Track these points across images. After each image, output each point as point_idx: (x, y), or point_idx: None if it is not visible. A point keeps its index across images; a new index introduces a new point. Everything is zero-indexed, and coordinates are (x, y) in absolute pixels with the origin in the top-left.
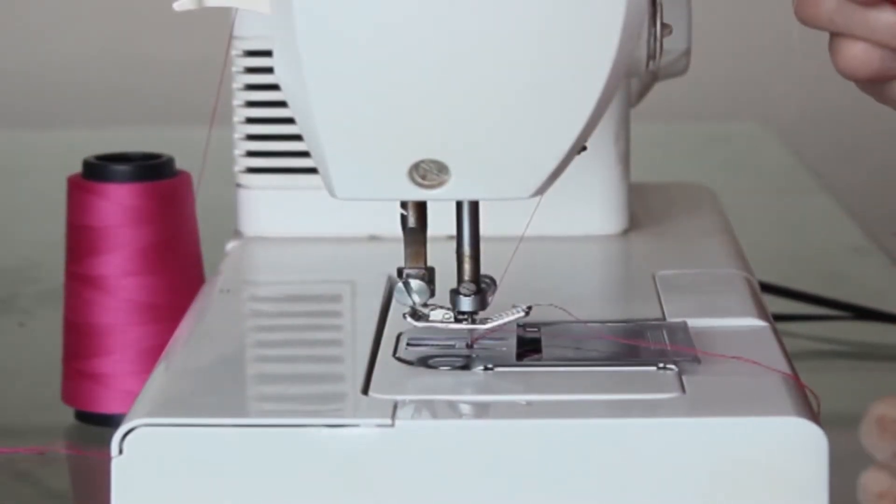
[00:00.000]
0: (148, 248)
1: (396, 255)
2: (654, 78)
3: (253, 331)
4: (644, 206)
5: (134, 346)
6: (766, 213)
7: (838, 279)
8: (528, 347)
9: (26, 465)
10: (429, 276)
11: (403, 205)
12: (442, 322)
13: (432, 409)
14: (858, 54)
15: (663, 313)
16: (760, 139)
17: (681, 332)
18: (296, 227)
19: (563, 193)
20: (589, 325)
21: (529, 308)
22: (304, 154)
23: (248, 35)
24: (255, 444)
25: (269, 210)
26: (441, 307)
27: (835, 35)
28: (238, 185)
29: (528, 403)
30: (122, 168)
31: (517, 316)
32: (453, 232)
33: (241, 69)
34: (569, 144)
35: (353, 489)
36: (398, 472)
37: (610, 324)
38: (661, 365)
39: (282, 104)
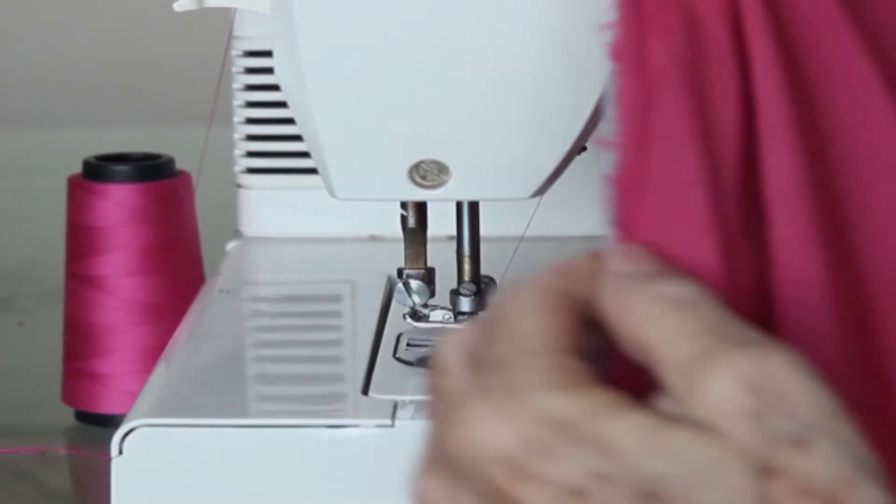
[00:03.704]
0: (148, 248)
1: (396, 255)
2: None
3: (253, 331)
4: None
5: (134, 346)
6: None
7: None
8: None
9: (26, 465)
10: (429, 277)
11: (403, 205)
12: (442, 322)
13: None
14: None
15: None
16: None
17: None
18: (296, 227)
19: (563, 193)
20: None
21: None
22: (304, 154)
23: (248, 35)
24: (255, 444)
25: (269, 210)
26: (441, 307)
27: None
28: (238, 185)
29: None
30: (122, 168)
31: None
32: (453, 232)
33: (241, 69)
34: (569, 145)
35: (353, 489)
36: (398, 472)
37: None
38: None
39: (282, 104)
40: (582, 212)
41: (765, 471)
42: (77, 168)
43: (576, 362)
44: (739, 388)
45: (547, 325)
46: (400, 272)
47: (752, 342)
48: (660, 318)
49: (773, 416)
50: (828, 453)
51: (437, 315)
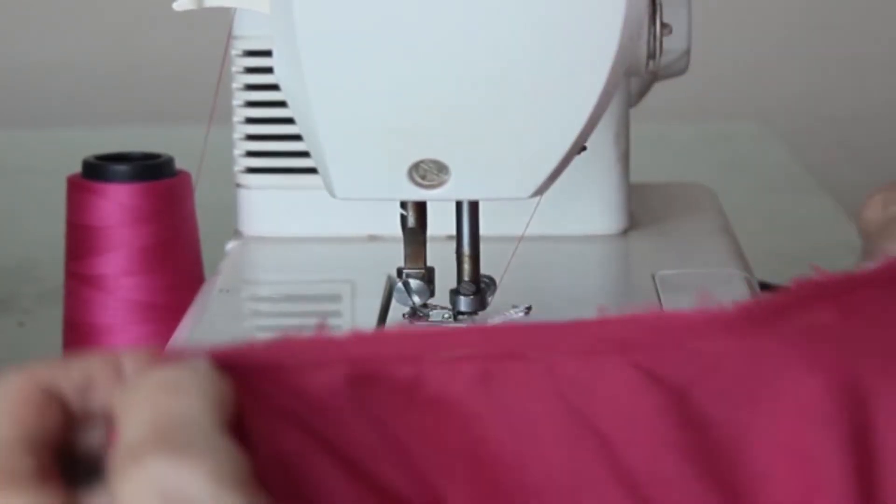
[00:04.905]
0: (148, 247)
1: (396, 255)
2: (653, 78)
3: (253, 331)
4: (644, 206)
5: (134, 346)
6: (766, 213)
7: None
8: None
9: None
10: (428, 276)
11: (403, 205)
12: (442, 322)
13: None
14: None
15: None
16: (760, 139)
17: None
18: (296, 227)
19: (563, 193)
20: None
21: (529, 308)
22: (304, 154)
23: (248, 35)
24: None
25: (269, 210)
26: (441, 307)
27: None
28: (238, 185)
29: None
30: (121, 168)
31: (517, 316)
32: (453, 232)
33: (241, 69)
34: (569, 144)
35: None
36: None
37: None
38: None
39: (282, 104)
40: (582, 212)
41: None
42: (77, 168)
43: (27, 460)
44: (149, 491)
45: (15, 420)
46: (400, 272)
47: (180, 442)
48: (136, 398)
49: None
50: None
51: (436, 315)
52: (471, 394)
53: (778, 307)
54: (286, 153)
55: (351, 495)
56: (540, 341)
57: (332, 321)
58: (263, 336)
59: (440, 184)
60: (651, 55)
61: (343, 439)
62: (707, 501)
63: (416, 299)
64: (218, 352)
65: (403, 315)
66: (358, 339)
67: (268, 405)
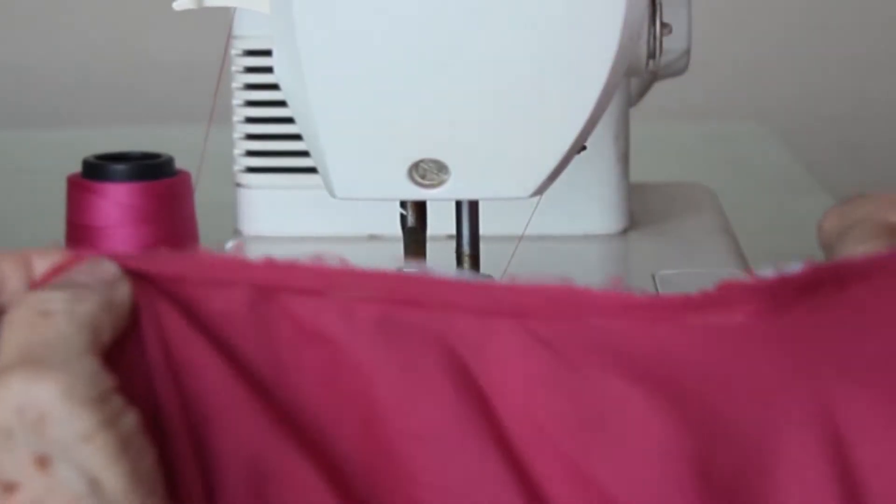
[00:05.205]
0: (147, 247)
1: (396, 255)
2: (653, 77)
3: None
4: (644, 206)
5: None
6: (766, 213)
7: None
8: None
9: None
10: None
11: (403, 204)
12: None
13: None
14: None
15: None
16: (760, 139)
17: None
18: (296, 227)
19: (563, 193)
20: None
21: None
22: (304, 154)
23: (248, 34)
24: None
25: (269, 210)
26: None
27: None
28: (238, 185)
29: None
30: (121, 167)
31: None
32: (453, 232)
33: (241, 69)
34: (568, 144)
35: None
36: None
37: None
38: None
39: (282, 104)
40: (582, 212)
41: (7, 486)
42: (77, 168)
43: None
44: (8, 407)
45: None
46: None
47: (42, 363)
48: (13, 321)
49: (27, 435)
50: (63, 475)
51: None
52: (366, 335)
53: (692, 302)
54: (286, 153)
55: (242, 404)
56: (441, 294)
57: None
58: None
59: (440, 183)
60: (651, 55)
61: (239, 356)
62: (576, 469)
63: None
64: (127, 258)
65: None
66: (266, 265)
67: (173, 314)
